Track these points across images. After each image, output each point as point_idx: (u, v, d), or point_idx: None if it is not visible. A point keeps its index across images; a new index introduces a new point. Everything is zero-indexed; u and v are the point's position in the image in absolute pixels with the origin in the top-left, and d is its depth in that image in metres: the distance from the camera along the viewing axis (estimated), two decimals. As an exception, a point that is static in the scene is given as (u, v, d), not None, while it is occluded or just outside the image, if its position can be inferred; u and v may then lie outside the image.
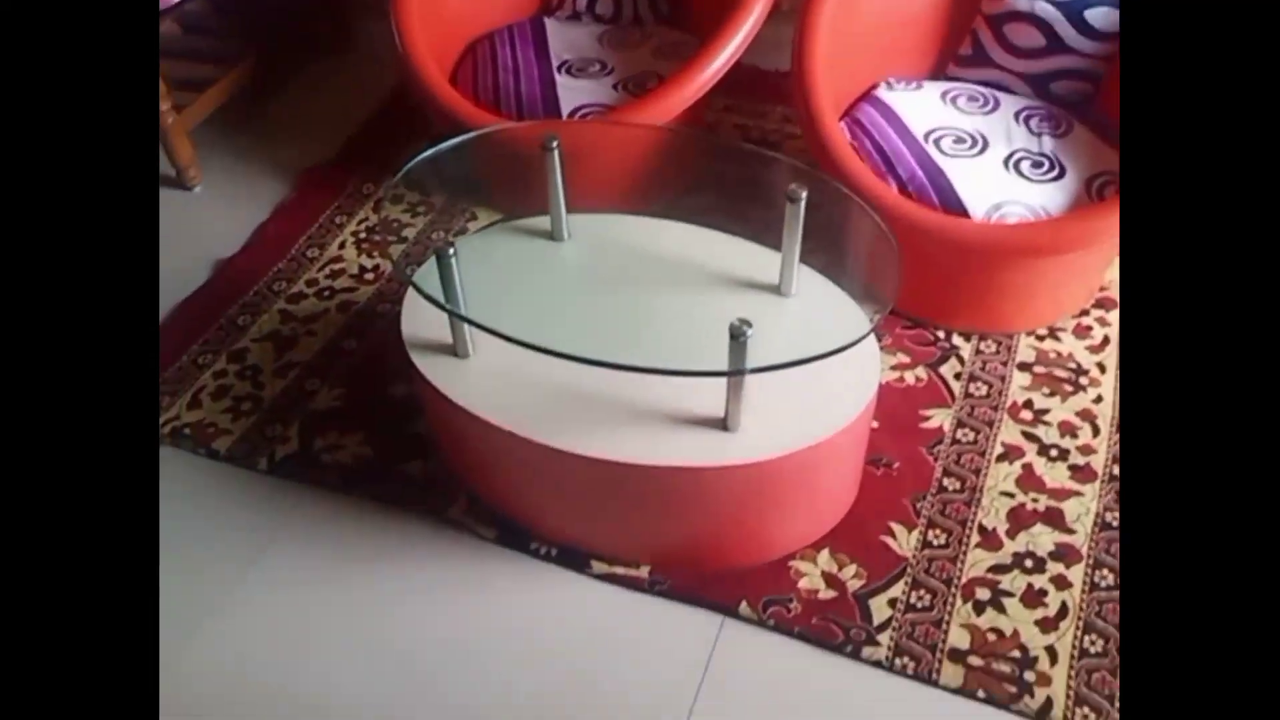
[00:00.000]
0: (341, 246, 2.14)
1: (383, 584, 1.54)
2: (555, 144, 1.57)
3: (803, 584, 1.49)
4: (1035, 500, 1.59)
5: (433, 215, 2.20)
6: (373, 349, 1.90)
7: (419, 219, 2.19)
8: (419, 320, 1.56)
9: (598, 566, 1.53)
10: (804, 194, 1.43)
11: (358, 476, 1.68)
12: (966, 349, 1.84)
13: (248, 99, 2.49)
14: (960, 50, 1.99)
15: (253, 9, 2.63)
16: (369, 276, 2.07)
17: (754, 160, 1.76)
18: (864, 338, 1.34)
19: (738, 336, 1.24)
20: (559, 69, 2.10)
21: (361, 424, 1.76)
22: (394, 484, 1.66)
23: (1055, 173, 1.74)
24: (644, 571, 1.52)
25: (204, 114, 2.33)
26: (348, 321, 1.97)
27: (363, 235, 2.18)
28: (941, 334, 1.87)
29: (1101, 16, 1.82)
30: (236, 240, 2.17)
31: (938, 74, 2.03)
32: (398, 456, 1.70)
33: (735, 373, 1.29)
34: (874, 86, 1.96)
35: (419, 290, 1.43)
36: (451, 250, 1.37)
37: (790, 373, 1.30)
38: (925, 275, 1.78)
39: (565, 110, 1.98)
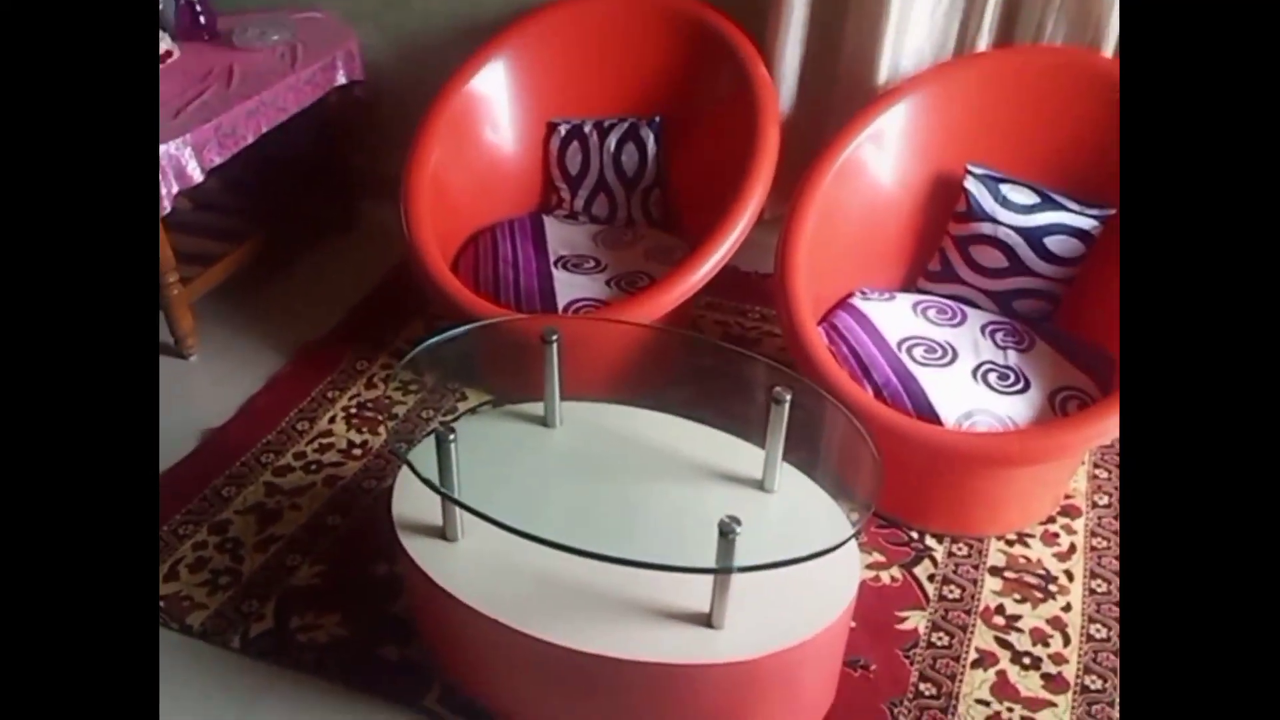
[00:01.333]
0: (332, 421, 2.19)
1: (350, 775, 1.49)
2: (555, 336, 1.66)
3: (781, 790, 1.46)
4: (1010, 710, 1.59)
5: (424, 394, 2.26)
6: (356, 526, 1.91)
7: (410, 397, 2.25)
8: (410, 500, 1.58)
9: (573, 764, 1.50)
10: (789, 396, 1.51)
11: (332, 658, 1.65)
12: (939, 550, 1.88)
13: (251, 274, 2.59)
14: (930, 266, 2.14)
15: (263, 189, 2.78)
16: (357, 452, 2.11)
17: (738, 360, 1.86)
18: (848, 540, 1.38)
19: (727, 534, 1.28)
20: (555, 263, 2.22)
21: (340, 603, 1.75)
22: (369, 668, 1.64)
23: (1020, 385, 1.85)
24: (620, 771, 1.49)
25: (208, 287, 2.42)
26: (333, 496, 1.98)
27: (354, 410, 2.22)
28: (915, 534, 1.91)
29: (1059, 243, 1.98)
30: (227, 411, 2.21)
31: (909, 286, 2.17)
32: (375, 639, 1.68)
33: (724, 570, 1.32)
34: (850, 295, 2.10)
35: (416, 473, 1.47)
36: (452, 436, 1.42)
37: (775, 572, 1.33)
38: (901, 477, 1.84)
39: (561, 302, 2.09)
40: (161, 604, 1.74)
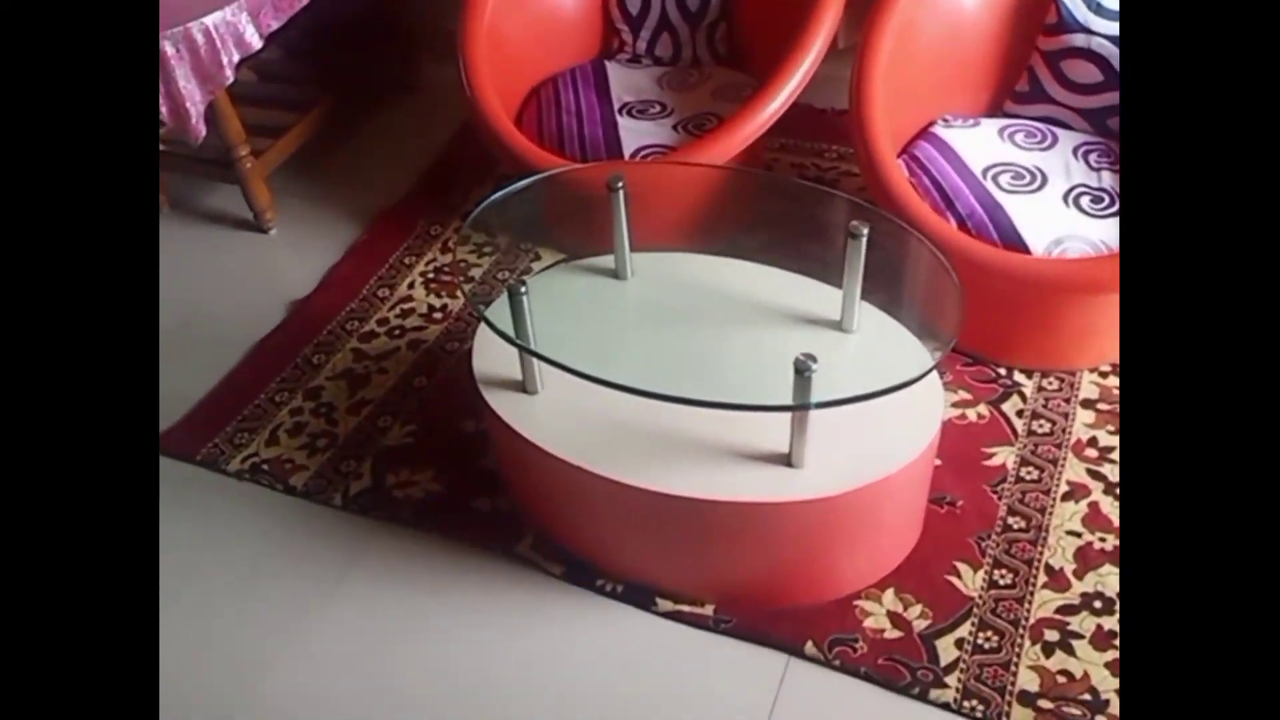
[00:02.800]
0: (411, 286, 2.21)
1: (454, 618, 1.58)
2: (621, 184, 1.62)
3: (868, 623, 1.49)
4: (1103, 540, 1.57)
5: (498, 255, 2.26)
6: (442, 386, 1.96)
7: (485, 259, 2.25)
8: (489, 357, 1.60)
9: (663, 604, 1.55)
10: (865, 230, 1.46)
11: (429, 512, 1.72)
12: (1029, 386, 1.83)
13: (321, 143, 2.59)
14: (1017, 87, 2.00)
15: (324, 56, 2.74)
16: (437, 316, 2.14)
17: (813, 197, 1.79)
18: (927, 374, 1.35)
19: (803, 371, 1.26)
20: (620, 111, 2.15)
21: (432, 460, 1.81)
22: (464, 520, 1.71)
23: (1115, 208, 1.74)
24: (709, 609, 1.53)
25: (280, 159, 2.43)
26: (417, 359, 2.03)
27: (431, 276, 2.24)
28: (1003, 371, 1.86)
29: (1162, 52, 1.82)
30: (310, 281, 2.26)
31: (995, 111, 2.04)
32: (467, 492, 1.75)
33: (800, 407, 1.31)
34: (931, 124, 1.98)
35: (491, 326, 1.48)
36: (523, 288, 1.42)
37: (853, 410, 1.31)
38: (985, 312, 1.78)
39: (627, 151, 2.03)
40: (265, 467, 1.84)
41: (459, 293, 2.18)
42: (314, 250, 2.35)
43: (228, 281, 2.30)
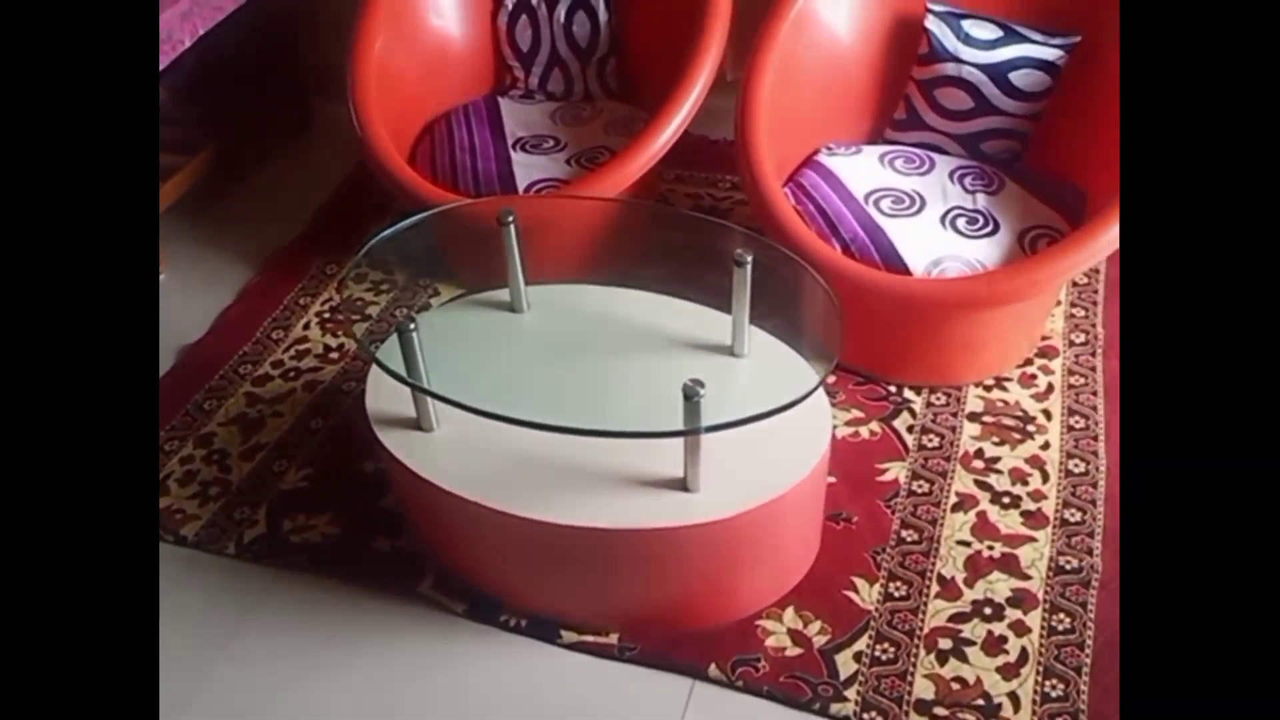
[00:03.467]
0: (306, 327, 2.18)
1: (355, 664, 1.54)
2: (511, 218, 1.63)
3: (770, 642, 1.51)
4: (991, 548, 1.63)
5: (395, 293, 2.24)
6: (339, 427, 1.92)
7: (382, 297, 2.23)
8: (384, 396, 1.59)
9: (567, 636, 1.55)
10: (750, 258, 1.50)
11: (326, 556, 1.69)
12: (918, 402, 1.89)
13: (211, 185, 2.54)
14: (895, 115, 2.08)
15: (213, 96, 2.69)
16: (334, 356, 2.10)
17: (702, 227, 1.83)
18: (812, 392, 1.39)
19: (691, 397, 1.28)
20: (514, 146, 2.17)
21: (330, 503, 1.78)
22: (363, 562, 1.67)
23: (990, 228, 1.83)
24: (613, 638, 1.54)
25: (168, 203, 2.37)
26: (314, 401, 1.99)
27: (327, 315, 2.21)
28: (893, 388, 1.92)
29: (1025, 78, 1.92)
30: (201, 326, 2.20)
31: (875, 138, 2.12)
32: (366, 534, 1.72)
33: (690, 432, 1.33)
34: (815, 152, 2.05)
35: (381, 366, 1.47)
36: (412, 325, 1.41)
37: (747, 432, 1.34)
38: (874, 332, 1.84)
39: (521, 185, 2.05)
40: (155, 518, 1.78)
41: (357, 331, 2.15)
42: (205, 294, 2.29)
43: (113, 329, 2.22)
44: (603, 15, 2.26)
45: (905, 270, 1.76)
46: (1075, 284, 2.14)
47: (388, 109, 2.14)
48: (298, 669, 1.54)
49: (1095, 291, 2.12)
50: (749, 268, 1.50)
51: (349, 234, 2.43)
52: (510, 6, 2.31)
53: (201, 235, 2.48)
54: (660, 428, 1.35)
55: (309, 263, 2.35)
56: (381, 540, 1.70)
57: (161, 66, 2.15)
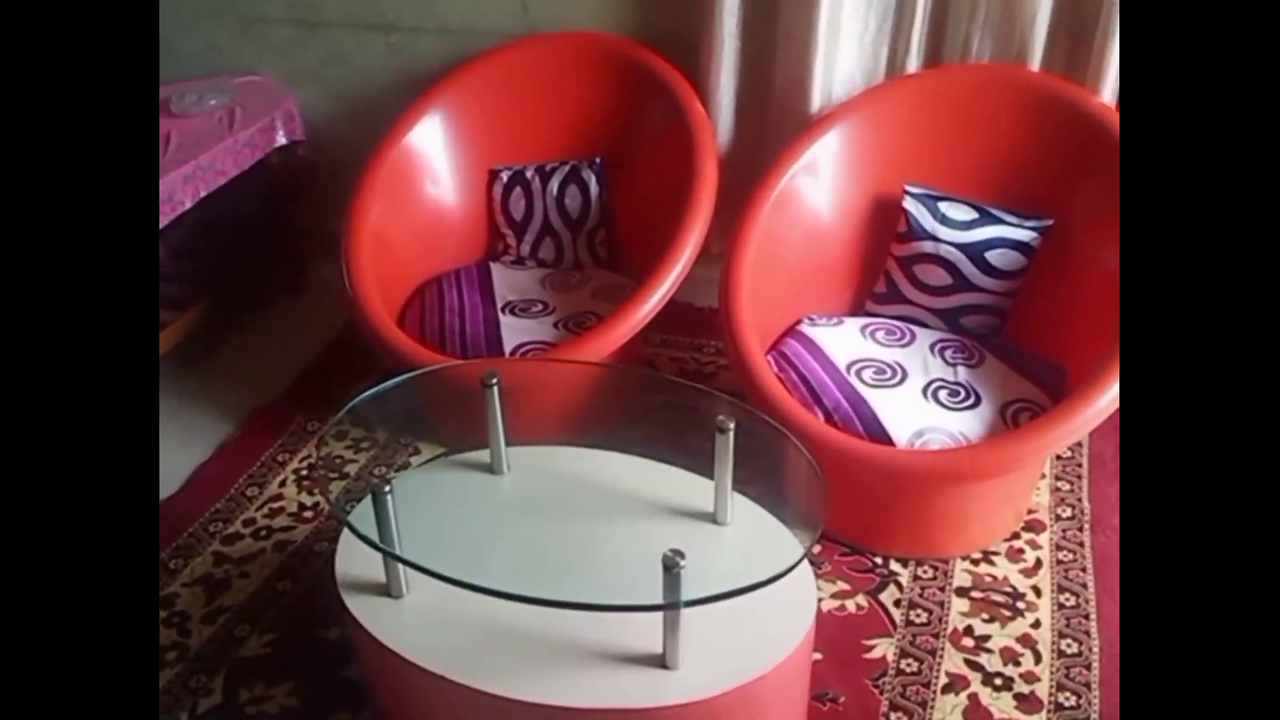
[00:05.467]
0: (282, 484, 2.14)
1: None
2: (495, 380, 1.63)
3: (752, 834, 1.41)
4: (985, 732, 1.55)
5: (375, 451, 2.22)
6: (307, 591, 1.86)
7: (361, 455, 2.21)
8: (354, 559, 1.54)
9: (536, 822, 1.44)
10: (732, 425, 1.49)
11: (282, 729, 1.59)
12: (904, 575, 1.85)
13: (200, 340, 2.55)
14: (876, 289, 2.14)
15: (209, 254, 2.75)
16: (308, 515, 2.06)
17: (685, 393, 1.84)
18: (796, 565, 1.35)
19: (671, 569, 1.25)
20: (503, 309, 2.20)
21: (291, 672, 1.69)
22: (321, 737, 1.58)
23: (971, 401, 1.84)
24: (585, 827, 1.43)
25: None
26: (283, 562, 1.93)
27: (304, 472, 2.18)
28: (879, 560, 1.88)
29: (1001, 257, 1.98)
30: (176, 481, 2.16)
31: (857, 310, 2.17)
32: (327, 706, 1.62)
33: (669, 606, 1.28)
34: (798, 322, 2.09)
35: (352, 529, 1.43)
36: (387, 488, 1.39)
37: (729, 605, 1.30)
38: (859, 502, 1.82)
39: (508, 348, 2.06)
40: (104, 685, 1.68)
41: (333, 489, 2.11)
42: (183, 449, 2.26)
43: (84, 482, 2.18)
44: (594, 189, 2.35)
45: (888, 441, 1.76)
46: (1060, 458, 2.14)
47: (380, 271, 2.18)
48: None
49: (1079, 465, 2.12)
50: (731, 434, 1.49)
51: (333, 392, 2.43)
52: (505, 179, 2.40)
53: (186, 390, 2.47)
54: (639, 599, 1.30)
55: (291, 419, 2.34)
56: (342, 713, 1.61)
57: (161, 226, 2.20)
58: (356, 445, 2.23)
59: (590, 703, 1.31)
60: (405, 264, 2.31)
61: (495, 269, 2.39)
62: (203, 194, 2.31)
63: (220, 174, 2.36)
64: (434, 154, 2.38)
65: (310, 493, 2.12)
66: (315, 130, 2.70)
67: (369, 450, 2.22)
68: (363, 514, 1.45)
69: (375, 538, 1.40)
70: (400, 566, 1.45)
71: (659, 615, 1.33)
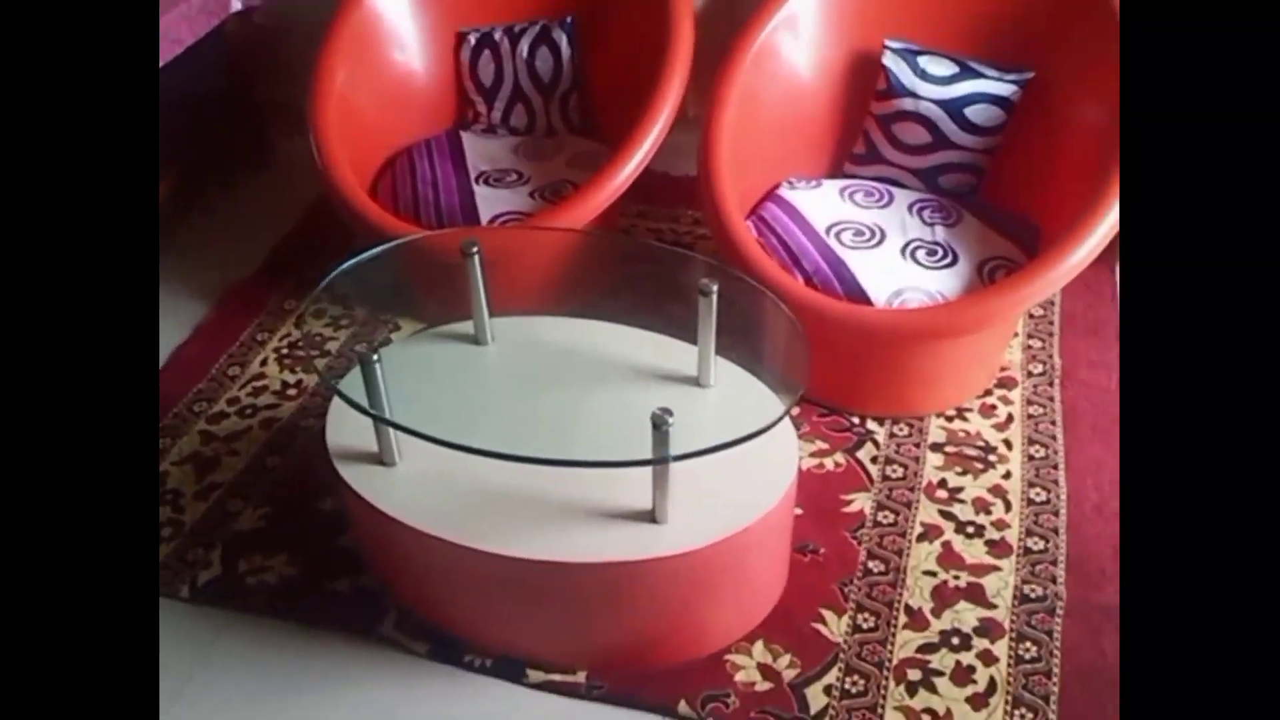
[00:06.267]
0: (263, 364, 2.14)
1: (313, 708, 1.50)
2: (475, 249, 1.62)
3: (739, 677, 1.49)
4: (957, 578, 1.63)
5: (355, 328, 2.22)
6: (297, 465, 1.88)
7: (341, 332, 2.20)
8: (345, 431, 1.56)
9: (534, 675, 1.52)
10: (715, 288, 1.50)
11: (284, 598, 1.64)
12: (881, 433, 1.90)
13: (167, 220, 2.50)
14: (855, 149, 2.12)
15: (169, 130, 2.65)
16: (292, 392, 2.06)
17: (667, 258, 1.83)
18: (778, 421, 1.38)
19: (660, 426, 1.27)
20: (477, 179, 2.16)
21: (287, 543, 1.73)
22: (322, 603, 1.63)
23: (949, 260, 1.85)
24: (581, 677, 1.51)
25: (119, 237, 2.32)
26: (271, 438, 1.95)
27: (285, 351, 2.17)
28: (856, 420, 1.93)
29: (980, 113, 1.96)
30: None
31: (835, 172, 2.15)
32: (325, 574, 1.67)
33: (659, 461, 1.31)
34: (777, 186, 2.07)
35: (343, 396, 1.44)
36: (376, 357, 1.39)
37: (713, 464, 1.33)
38: (837, 363, 1.85)
39: (484, 218, 2.04)
40: (103, 560, 1.71)
41: (312, 367, 2.11)
42: (159, 331, 2.24)
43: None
44: (565, 51, 2.28)
45: (867, 301, 1.77)
46: (1031, 316, 2.17)
47: (349, 142, 2.13)
48: (255, 715, 1.49)
49: (1051, 323, 2.16)
50: (714, 298, 1.50)
51: (309, 269, 2.39)
52: (473, 42, 2.32)
53: (159, 269, 2.43)
54: (628, 457, 1.34)
55: (266, 298, 2.32)
56: (342, 580, 1.66)
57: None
58: (335, 323, 2.22)
59: (584, 557, 1.36)
60: (374, 135, 2.25)
61: (466, 138, 2.33)
62: (161, 64, 2.21)
63: (177, 42, 2.25)
64: (398, 17, 2.29)
65: (293, 371, 2.12)
66: (268, -3, 2.58)
67: (349, 327, 2.21)
68: (350, 385, 1.45)
69: (366, 405, 1.41)
70: (392, 434, 1.47)
71: (647, 476, 1.37)
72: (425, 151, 2.26)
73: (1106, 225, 1.68)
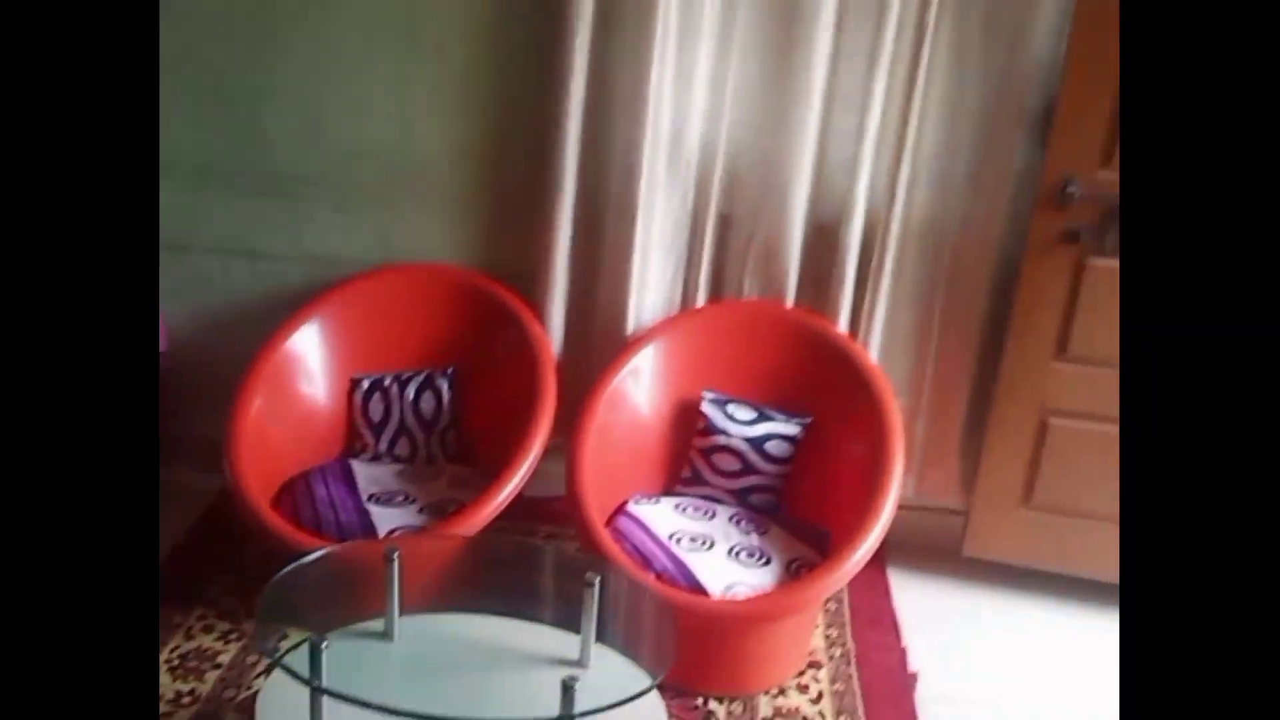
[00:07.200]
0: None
1: None
2: (397, 554, 1.96)
3: None
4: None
5: (245, 640, 2.38)
6: (198, 766, 1.99)
7: (231, 645, 2.36)
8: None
9: None
10: (598, 578, 1.90)
11: None
12: (721, 710, 2.27)
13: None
14: (684, 474, 2.66)
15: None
16: (186, 700, 2.19)
17: (544, 555, 2.20)
18: (654, 686, 1.75)
19: (569, 687, 1.60)
20: (369, 500, 2.51)
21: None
22: None
23: (764, 560, 2.36)
24: None
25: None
26: (167, 743, 2.05)
27: (176, 663, 2.31)
28: (701, 700, 2.29)
29: (776, 446, 2.57)
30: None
31: (670, 491, 2.67)
32: None
33: (566, 718, 1.62)
34: (625, 502, 2.55)
35: (291, 675, 1.67)
36: (325, 643, 1.66)
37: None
38: (685, 649, 2.24)
39: (381, 533, 2.37)
40: None
41: (208, 677, 2.26)
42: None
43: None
44: (446, 395, 2.76)
45: (705, 594, 2.22)
46: (827, 610, 2.67)
47: (256, 464, 2.44)
48: None
49: (843, 616, 2.66)
50: (596, 587, 1.90)
51: (192, 586, 2.55)
52: (365, 386, 2.76)
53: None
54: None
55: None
56: None
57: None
58: (225, 636, 2.39)
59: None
60: (277, 459, 2.57)
61: (355, 465, 2.70)
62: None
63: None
64: (309, 358, 2.71)
65: (185, 680, 2.25)
66: (176, 341, 2.94)
67: (238, 640, 2.38)
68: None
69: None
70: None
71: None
72: (320, 477, 2.60)
73: (879, 530, 2.25)
